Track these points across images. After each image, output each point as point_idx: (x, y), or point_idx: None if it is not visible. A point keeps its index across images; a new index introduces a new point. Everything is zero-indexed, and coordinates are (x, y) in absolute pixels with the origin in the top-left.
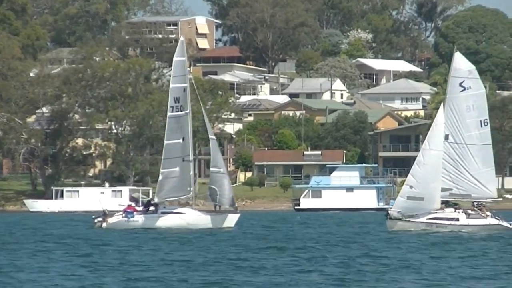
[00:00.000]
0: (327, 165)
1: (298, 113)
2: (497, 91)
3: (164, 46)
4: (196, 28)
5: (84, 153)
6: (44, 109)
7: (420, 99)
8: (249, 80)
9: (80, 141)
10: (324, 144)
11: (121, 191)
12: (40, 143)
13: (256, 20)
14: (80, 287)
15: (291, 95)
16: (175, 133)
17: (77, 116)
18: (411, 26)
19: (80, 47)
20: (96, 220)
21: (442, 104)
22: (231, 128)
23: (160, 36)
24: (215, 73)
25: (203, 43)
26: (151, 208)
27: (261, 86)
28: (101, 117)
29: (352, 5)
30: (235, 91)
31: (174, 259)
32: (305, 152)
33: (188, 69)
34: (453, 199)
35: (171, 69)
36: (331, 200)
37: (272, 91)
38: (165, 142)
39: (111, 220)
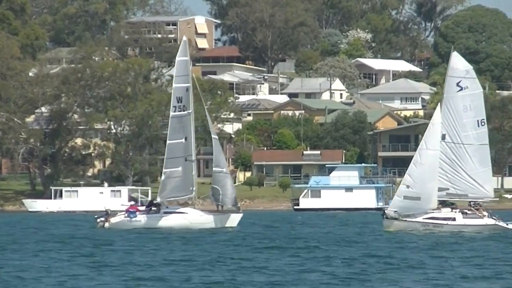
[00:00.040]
0: (326, 165)
1: (297, 113)
2: (497, 91)
3: (164, 46)
4: (196, 28)
5: (83, 153)
6: (43, 109)
7: (420, 99)
8: (249, 80)
9: (79, 141)
10: (323, 144)
11: (120, 191)
12: (39, 143)
13: (255, 20)
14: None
15: (291, 95)
16: (177, 133)
17: (76, 116)
18: (411, 26)
19: (79, 47)
20: (98, 220)
21: (439, 103)
22: (230, 128)
23: (159, 36)
24: (215, 73)
25: (202, 43)
26: (153, 208)
27: (260, 86)
28: (100, 117)
29: (352, 4)
30: (235, 91)
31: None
32: (305, 152)
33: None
34: (450, 199)
35: (171, 69)
36: (330, 200)
37: (272, 91)
38: (168, 141)
39: (113, 220)
